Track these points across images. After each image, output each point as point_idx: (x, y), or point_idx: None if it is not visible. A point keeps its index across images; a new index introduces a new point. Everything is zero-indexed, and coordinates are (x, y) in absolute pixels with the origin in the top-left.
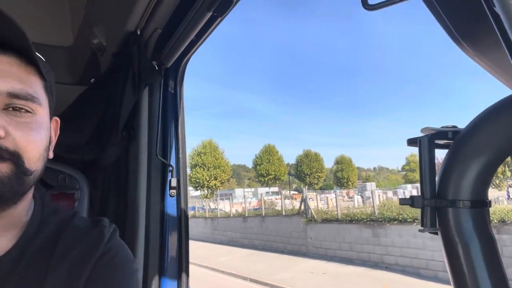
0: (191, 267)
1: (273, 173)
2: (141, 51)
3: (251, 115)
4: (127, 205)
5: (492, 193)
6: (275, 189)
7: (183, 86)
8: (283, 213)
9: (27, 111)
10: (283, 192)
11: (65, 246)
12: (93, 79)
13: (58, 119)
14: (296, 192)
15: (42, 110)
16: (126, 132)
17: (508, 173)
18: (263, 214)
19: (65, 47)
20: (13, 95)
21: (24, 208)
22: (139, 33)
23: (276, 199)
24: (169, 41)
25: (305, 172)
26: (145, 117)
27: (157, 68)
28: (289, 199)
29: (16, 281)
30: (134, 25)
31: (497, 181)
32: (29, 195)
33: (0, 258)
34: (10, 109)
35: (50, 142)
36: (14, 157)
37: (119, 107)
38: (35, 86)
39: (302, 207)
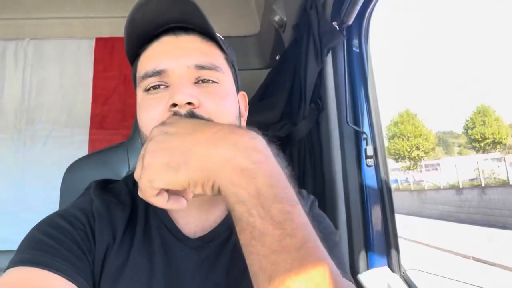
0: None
1: (491, 136)
2: (319, 14)
3: None
4: (324, 177)
5: None
6: (496, 155)
7: (369, 43)
8: (510, 182)
9: (213, 81)
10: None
11: None
12: (278, 56)
13: (245, 93)
14: None
15: (227, 80)
16: (314, 104)
17: None
18: (483, 185)
19: (253, 35)
20: (200, 67)
21: None
22: None
23: (497, 167)
24: None
25: None
26: (331, 84)
27: (338, 29)
28: None
29: (232, 247)
30: None
31: None
32: None
33: (217, 227)
34: (200, 82)
35: (240, 114)
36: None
37: (305, 79)
38: (218, 58)
39: None
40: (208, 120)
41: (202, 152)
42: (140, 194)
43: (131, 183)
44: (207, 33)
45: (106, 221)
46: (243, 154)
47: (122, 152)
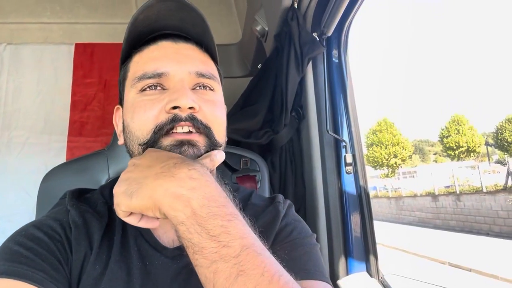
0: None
1: (465, 144)
2: (300, 25)
3: None
4: (304, 184)
5: None
6: (470, 163)
7: (347, 54)
8: (484, 189)
9: (210, 89)
10: (480, 165)
11: (248, 222)
12: (259, 65)
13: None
14: (500, 165)
15: (220, 89)
16: (295, 112)
17: None
18: (458, 192)
19: (235, 43)
20: (200, 74)
21: None
22: (296, 6)
23: (471, 174)
24: (328, 6)
25: (508, 140)
26: (312, 93)
27: (318, 40)
28: (489, 173)
29: None
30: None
31: None
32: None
33: None
34: (197, 88)
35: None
36: (206, 130)
37: (286, 87)
38: (214, 68)
39: (509, 182)
40: (206, 125)
41: (149, 184)
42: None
43: (107, 193)
44: (204, 44)
45: (82, 231)
46: (179, 183)
47: (101, 159)
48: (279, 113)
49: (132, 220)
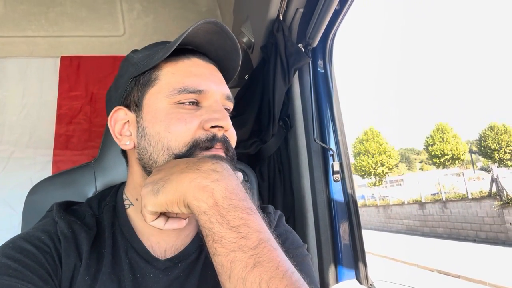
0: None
1: (449, 152)
2: (285, 37)
3: None
4: (293, 193)
5: None
6: (455, 170)
7: (333, 63)
8: (469, 196)
9: (228, 110)
10: (465, 172)
11: None
12: (246, 76)
13: None
14: (484, 172)
15: None
16: (283, 122)
17: None
18: (444, 199)
19: None
20: (228, 98)
21: None
22: (281, 18)
23: (457, 181)
24: (312, 18)
25: (491, 147)
26: (299, 103)
27: (303, 51)
28: (474, 180)
29: (202, 266)
30: (276, 11)
31: None
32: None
33: (187, 246)
34: None
35: None
36: (229, 149)
37: (273, 98)
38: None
39: (494, 189)
40: (232, 148)
41: (175, 178)
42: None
43: (95, 205)
44: (225, 70)
45: (72, 243)
46: (203, 175)
47: (88, 172)
48: (267, 123)
49: (158, 224)
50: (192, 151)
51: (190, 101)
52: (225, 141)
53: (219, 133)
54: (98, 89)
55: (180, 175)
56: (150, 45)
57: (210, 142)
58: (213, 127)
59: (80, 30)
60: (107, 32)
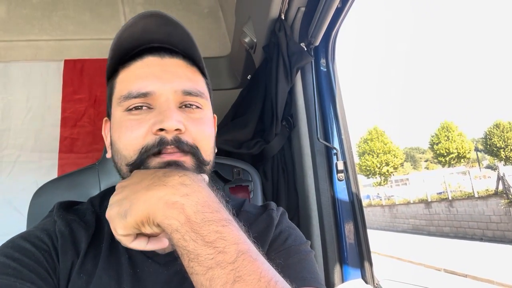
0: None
1: (455, 151)
2: (287, 36)
3: None
4: (297, 192)
5: None
6: (461, 169)
7: (335, 62)
8: (475, 195)
9: (197, 107)
10: (471, 171)
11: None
12: (249, 76)
13: (215, 116)
14: (490, 170)
15: (208, 105)
16: (286, 121)
17: None
18: (450, 198)
19: (225, 56)
20: (187, 92)
21: None
22: (283, 17)
23: (463, 180)
24: (314, 16)
25: (497, 145)
26: (302, 102)
27: (306, 50)
28: (480, 178)
29: None
30: (277, 11)
31: None
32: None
33: None
34: (183, 106)
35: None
36: (193, 150)
37: (276, 97)
38: (201, 84)
39: (500, 187)
40: (192, 145)
41: (141, 196)
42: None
43: (97, 203)
44: (192, 58)
45: (69, 241)
46: (171, 191)
47: (92, 174)
48: (270, 123)
49: (139, 245)
50: (144, 158)
51: (138, 105)
52: (177, 142)
53: (169, 135)
54: (102, 92)
55: (146, 193)
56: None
57: (158, 146)
58: (161, 129)
59: (83, 33)
60: (110, 35)
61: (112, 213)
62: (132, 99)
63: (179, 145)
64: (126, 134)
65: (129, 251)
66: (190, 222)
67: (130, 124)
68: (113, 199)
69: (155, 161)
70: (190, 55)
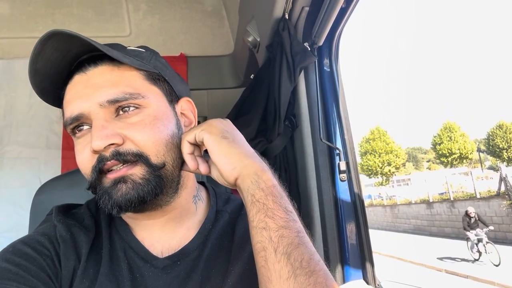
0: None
1: (457, 151)
2: (291, 36)
3: None
4: (299, 192)
5: None
6: (463, 169)
7: (339, 62)
8: (477, 196)
9: (135, 107)
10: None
11: (242, 233)
12: (252, 75)
13: (189, 99)
14: (492, 171)
15: (152, 101)
16: (288, 121)
17: None
18: (452, 199)
19: (228, 54)
20: (112, 102)
21: (188, 195)
22: (287, 17)
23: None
24: (318, 16)
25: (500, 146)
26: (305, 102)
27: (309, 49)
28: (482, 179)
29: (204, 264)
30: (281, 10)
31: None
32: (185, 183)
33: (186, 245)
34: (120, 113)
35: (179, 127)
36: (141, 157)
37: (279, 97)
38: (133, 82)
39: (502, 188)
40: (137, 153)
41: (241, 154)
42: None
43: (93, 207)
44: (114, 56)
45: (70, 245)
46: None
47: None
48: (273, 123)
49: (191, 162)
50: (98, 177)
51: (78, 128)
52: (117, 155)
53: (105, 152)
54: None
55: (243, 155)
56: None
57: (100, 164)
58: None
59: (87, 31)
60: (113, 32)
61: (217, 124)
62: (70, 126)
63: (119, 158)
64: (78, 158)
65: (128, 256)
66: (275, 190)
67: (77, 150)
68: (214, 122)
69: (106, 181)
70: (111, 55)
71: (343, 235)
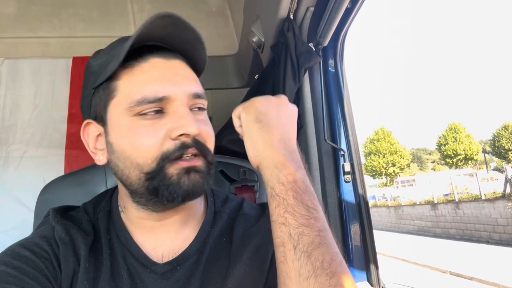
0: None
1: (462, 152)
2: (296, 36)
3: None
4: None
5: None
6: (468, 170)
7: (343, 63)
8: (483, 197)
9: (200, 108)
10: (478, 173)
11: (241, 234)
12: (256, 75)
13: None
14: (497, 172)
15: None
16: None
17: None
18: (456, 200)
19: (232, 54)
20: (197, 95)
21: (201, 198)
22: (292, 17)
23: (470, 182)
24: (323, 17)
25: (505, 147)
26: (309, 103)
27: (314, 50)
28: (487, 180)
29: (204, 268)
30: (286, 10)
31: None
32: None
33: (186, 249)
34: (193, 109)
35: None
36: (204, 151)
37: None
38: (200, 85)
39: (508, 189)
40: (204, 147)
41: (267, 142)
42: None
43: (91, 211)
44: (192, 60)
45: (70, 248)
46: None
47: (99, 172)
48: None
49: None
50: (163, 165)
51: (152, 110)
52: (198, 144)
53: (188, 139)
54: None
55: (268, 145)
56: (111, 44)
57: (180, 151)
58: (181, 134)
59: (92, 30)
60: (118, 32)
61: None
62: (148, 104)
63: (201, 147)
64: (142, 140)
65: (128, 262)
66: (296, 184)
67: (146, 130)
68: (249, 104)
69: (174, 168)
70: (191, 57)
71: (347, 237)
